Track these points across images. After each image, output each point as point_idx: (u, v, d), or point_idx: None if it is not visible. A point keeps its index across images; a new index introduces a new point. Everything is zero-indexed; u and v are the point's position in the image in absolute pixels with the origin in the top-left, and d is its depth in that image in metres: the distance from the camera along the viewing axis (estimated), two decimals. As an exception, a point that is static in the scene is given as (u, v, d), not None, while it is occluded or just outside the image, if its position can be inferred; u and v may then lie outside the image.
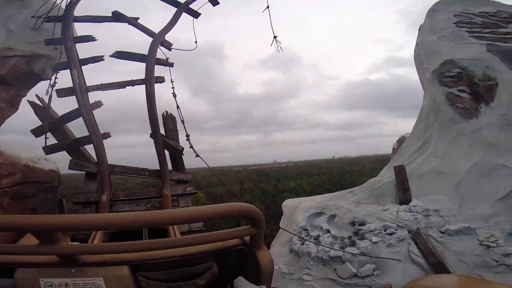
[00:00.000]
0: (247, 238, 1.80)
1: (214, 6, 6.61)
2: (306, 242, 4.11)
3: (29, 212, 4.30)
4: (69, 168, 4.65)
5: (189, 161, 5.19)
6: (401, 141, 7.02)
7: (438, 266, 3.33)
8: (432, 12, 5.60)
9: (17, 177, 4.08)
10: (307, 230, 4.40)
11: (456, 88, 4.58)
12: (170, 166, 5.09)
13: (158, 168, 4.92)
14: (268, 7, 6.67)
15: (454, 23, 5.24)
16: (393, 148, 7.66)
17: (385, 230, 3.83)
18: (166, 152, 4.99)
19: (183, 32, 6.02)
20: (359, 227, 4.05)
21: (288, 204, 5.63)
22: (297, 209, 4.99)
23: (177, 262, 1.68)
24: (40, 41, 5.31)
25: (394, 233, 3.76)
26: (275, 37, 6.70)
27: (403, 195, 4.16)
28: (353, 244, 3.90)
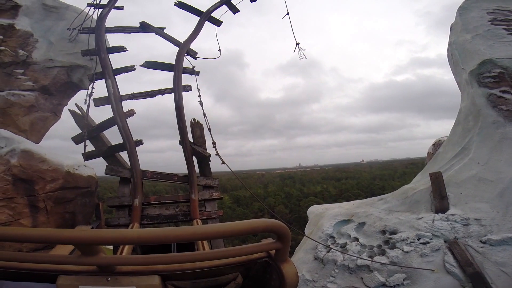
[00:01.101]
0: (272, 251, 1.85)
1: (234, 13, 6.85)
2: (332, 250, 4.06)
3: (69, 215, 4.69)
4: (105, 173, 5.02)
5: (215, 164, 5.43)
6: (437, 145, 6.65)
7: (476, 277, 3.13)
8: (463, 10, 5.29)
9: (59, 182, 4.45)
10: (334, 237, 4.33)
11: (498, 89, 4.27)
12: (197, 171, 5.31)
13: (186, 174, 5.15)
14: (288, 13, 6.77)
15: (489, 21, 4.90)
16: (428, 153, 7.27)
17: (418, 239, 3.67)
18: (194, 158, 5.22)
19: (205, 42, 6.29)
20: (390, 236, 3.91)
21: (314, 210, 5.57)
22: (324, 216, 4.92)
23: (204, 272, 1.79)
24: (77, 52, 5.76)
25: (429, 243, 3.59)
26: (297, 44, 6.76)
27: (440, 203, 3.95)
28: (382, 253, 3.77)
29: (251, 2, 6.93)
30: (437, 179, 4.07)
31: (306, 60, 7.08)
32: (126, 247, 3.20)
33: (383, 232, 4.02)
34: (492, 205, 3.72)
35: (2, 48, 5.29)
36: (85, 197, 4.91)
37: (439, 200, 3.97)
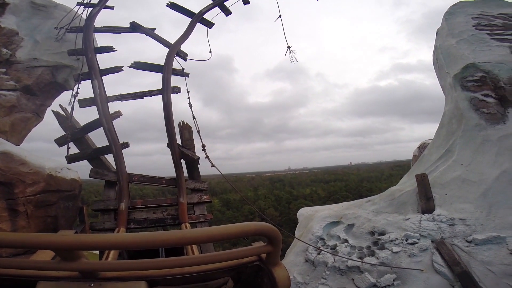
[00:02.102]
0: (263, 255, 1.83)
1: (227, 16, 6.81)
2: (323, 252, 4.06)
3: (51, 220, 4.49)
4: (90, 177, 4.86)
5: (204, 168, 5.35)
6: (422, 148, 6.81)
7: (464, 276, 3.20)
8: (449, 15, 5.48)
9: (41, 186, 4.26)
10: (324, 239, 4.34)
11: (480, 92, 4.42)
12: (186, 174, 5.20)
13: (175, 177, 5.04)
14: (280, 16, 6.81)
15: (473, 26, 5.09)
16: (413, 155, 7.44)
17: (406, 240, 3.72)
18: (183, 161, 5.11)
19: (196, 46, 6.23)
20: (379, 237, 3.95)
21: (303, 212, 5.58)
22: (313, 218, 4.93)
23: (193, 277, 1.73)
24: (64, 52, 5.57)
25: (417, 243, 3.65)
26: (289, 47, 6.82)
27: (426, 204, 4.03)
28: (372, 254, 3.81)
29: (244, 4, 6.91)
30: (422, 181, 4.16)
31: (293, 65, 7.17)
32: (112, 252, 3.09)
33: (372, 233, 4.06)
34: (476, 205, 3.82)
35: None
36: (68, 201, 4.71)
37: (425, 201, 4.05)
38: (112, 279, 1.60)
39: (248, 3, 6.89)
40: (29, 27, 5.79)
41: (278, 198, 45.22)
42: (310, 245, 4.24)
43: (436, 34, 5.66)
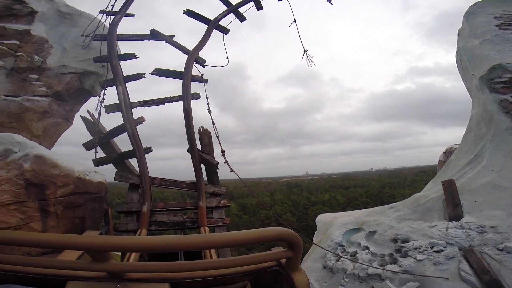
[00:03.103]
0: (283, 260, 1.86)
1: (241, 22, 6.96)
2: (342, 258, 4.02)
3: (78, 220, 4.78)
4: (115, 179, 5.11)
5: (222, 172, 5.46)
6: (448, 153, 6.58)
7: (493, 285, 3.09)
8: (469, 15, 5.31)
9: (70, 188, 4.57)
10: (343, 246, 4.31)
11: (509, 94, 4.25)
12: (205, 179, 5.35)
13: (194, 181, 5.20)
14: (294, 21, 6.86)
15: (497, 26, 4.90)
16: (439, 161, 7.19)
17: (432, 248, 3.63)
18: (202, 165, 5.27)
19: (210, 54, 6.41)
20: (402, 244, 3.87)
21: (322, 218, 5.55)
22: (333, 224, 4.90)
23: (214, 280, 1.80)
24: (90, 59, 5.87)
25: (443, 251, 3.55)
26: (305, 51, 6.79)
27: (454, 211, 3.91)
28: (394, 261, 3.74)
29: (258, 10, 7.04)
30: (450, 187, 4.04)
31: (306, 71, 7.23)
32: (134, 253, 3.22)
33: (395, 240, 3.99)
34: (508, 212, 3.68)
35: (19, 53, 5.44)
36: (95, 203, 5.01)
37: (453, 208, 3.93)
38: (137, 280, 1.69)
39: (262, 8, 7.02)
40: (57, 35, 6.10)
41: (296, 203, 44.74)
42: (329, 251, 4.22)
43: (458, 35, 5.50)
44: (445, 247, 3.59)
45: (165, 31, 6.12)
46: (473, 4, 5.45)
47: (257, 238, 1.62)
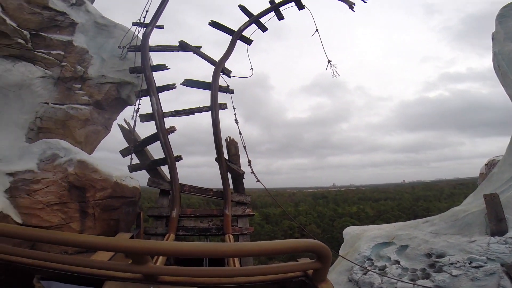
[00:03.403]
0: (309, 270, 1.89)
1: (263, 32, 7.07)
2: (370, 272, 3.89)
3: (113, 222, 5.11)
4: (147, 185, 5.45)
5: (245, 181, 5.55)
6: (490, 165, 6.15)
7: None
8: (502, 18, 5.04)
9: (108, 191, 4.94)
10: (372, 259, 4.18)
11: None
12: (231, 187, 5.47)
13: (221, 189, 5.38)
14: (317, 30, 6.82)
15: None
16: (480, 173, 6.73)
17: (470, 263, 3.44)
18: (229, 174, 5.43)
19: (232, 64, 6.55)
20: (437, 259, 3.70)
21: (350, 231, 5.44)
22: (361, 238, 4.80)
23: (240, 287, 1.87)
24: (126, 69, 6.19)
25: (482, 266, 3.36)
26: (329, 61, 6.74)
27: (497, 226, 3.69)
28: (427, 276, 3.58)
29: (279, 20, 7.12)
30: (493, 201, 3.82)
31: (330, 80, 7.02)
32: (161, 257, 3.35)
33: (429, 255, 3.81)
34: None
35: (64, 63, 5.82)
36: (129, 206, 5.34)
37: (496, 222, 3.70)
38: (169, 283, 1.80)
39: (283, 18, 7.08)
40: (96, 46, 6.40)
41: (321, 214, 43.55)
42: (356, 264, 4.11)
43: (492, 38, 5.23)
44: (485, 262, 3.39)
45: (191, 43, 6.34)
46: (504, 7, 5.20)
47: (287, 249, 1.68)
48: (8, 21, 5.09)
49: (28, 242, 3.72)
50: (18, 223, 4.21)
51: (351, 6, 6.58)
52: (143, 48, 5.93)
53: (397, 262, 3.94)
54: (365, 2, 6.83)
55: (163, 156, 5.41)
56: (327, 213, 44.46)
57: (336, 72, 6.79)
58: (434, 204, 43.96)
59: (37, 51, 5.53)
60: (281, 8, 7.01)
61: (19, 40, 5.25)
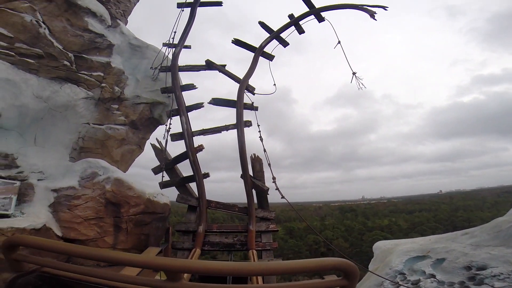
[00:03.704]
0: None
1: (285, 47, 7.19)
2: (401, 286, 3.74)
3: (144, 237, 5.36)
4: (176, 201, 5.71)
5: (269, 196, 5.66)
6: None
7: None
8: None
9: (141, 208, 5.25)
10: (404, 274, 4.04)
11: None
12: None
13: (246, 205, 5.51)
14: (339, 42, 6.71)
15: None
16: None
17: (515, 275, 3.19)
18: (253, 190, 5.56)
19: (255, 80, 6.68)
20: (477, 272, 3.52)
21: (381, 245, 5.29)
22: (393, 252, 4.66)
23: None
24: (157, 90, 6.49)
25: (529, 279, 3.09)
26: (354, 73, 6.64)
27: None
28: (466, 290, 3.36)
29: (299, 34, 7.21)
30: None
31: (355, 90, 6.71)
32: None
33: (468, 268, 3.63)
34: None
35: (103, 84, 6.14)
36: (159, 222, 5.60)
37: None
38: None
39: (303, 32, 7.16)
40: (131, 67, 6.69)
41: (349, 228, 41.81)
42: (386, 279, 3.97)
43: None
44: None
45: (215, 61, 6.61)
46: None
47: (314, 268, 1.72)
48: (55, 43, 5.48)
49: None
50: (58, 235, 4.55)
51: (372, 15, 6.54)
52: (173, 68, 6.24)
53: (433, 276, 3.76)
54: (386, 9, 6.74)
55: (191, 173, 5.66)
56: (356, 226, 42.68)
57: (362, 84, 6.65)
58: (475, 214, 41.08)
59: (81, 73, 5.86)
60: (300, 22, 7.12)
61: (65, 62, 5.59)
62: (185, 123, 5.81)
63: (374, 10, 6.60)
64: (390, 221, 44.66)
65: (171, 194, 5.87)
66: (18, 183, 4.64)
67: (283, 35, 7.12)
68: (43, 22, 5.42)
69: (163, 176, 5.60)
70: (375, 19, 6.57)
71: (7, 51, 4.97)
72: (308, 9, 7.08)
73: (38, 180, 5.00)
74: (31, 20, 5.19)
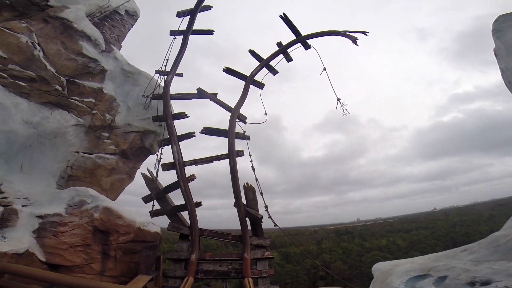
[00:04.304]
0: None
1: (274, 75, 7.37)
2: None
3: (133, 265, 5.18)
4: (167, 230, 5.63)
5: (264, 221, 5.64)
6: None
7: None
8: (498, 32, 5.17)
9: (131, 236, 5.11)
10: (405, 294, 3.92)
11: None
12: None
13: (240, 232, 5.46)
14: (324, 69, 6.96)
15: None
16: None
17: (520, 286, 3.14)
18: (247, 219, 5.53)
19: (246, 108, 6.74)
20: (482, 287, 3.42)
21: (380, 267, 5.24)
22: (393, 273, 4.64)
23: None
24: (149, 118, 6.42)
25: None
26: (338, 99, 6.79)
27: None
28: (471, 305, 3.28)
29: (288, 62, 7.46)
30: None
31: (341, 116, 6.79)
32: None
33: (472, 283, 3.62)
34: None
35: (95, 111, 6.03)
36: (150, 250, 5.46)
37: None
38: None
39: (291, 60, 7.43)
40: (123, 93, 6.60)
41: (347, 250, 41.09)
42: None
43: (495, 55, 5.34)
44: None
45: (207, 89, 6.64)
46: (496, 21, 5.37)
47: None
48: (49, 66, 5.47)
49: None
50: (41, 260, 4.42)
51: (354, 40, 6.83)
52: (165, 96, 6.27)
53: (435, 293, 3.68)
54: (366, 34, 7.08)
55: (183, 202, 5.61)
56: (354, 248, 42.07)
57: (346, 110, 6.75)
58: (473, 228, 41.68)
59: (72, 99, 5.79)
60: (288, 50, 7.39)
61: (57, 87, 5.53)
62: (177, 153, 5.81)
63: (355, 36, 6.91)
64: (388, 241, 44.33)
65: (163, 220, 5.79)
66: (1, 208, 4.54)
67: (272, 63, 7.31)
68: (38, 44, 5.47)
69: (153, 205, 5.53)
70: (357, 45, 6.83)
71: (0, 73, 4.95)
72: (295, 37, 7.39)
73: (23, 206, 4.88)
74: (26, 41, 5.26)
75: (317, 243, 48.66)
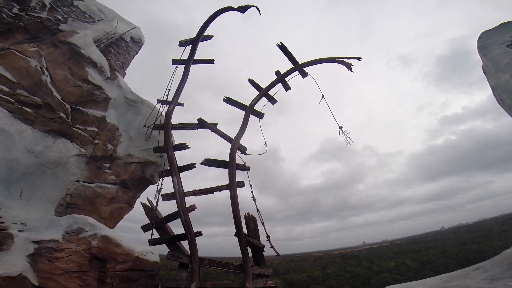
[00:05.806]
0: None
1: (273, 104, 7.39)
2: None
3: (131, 293, 5.06)
4: (167, 258, 5.57)
5: (265, 248, 5.57)
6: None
7: None
8: (483, 50, 5.33)
9: (129, 265, 5.11)
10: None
11: None
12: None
13: (241, 262, 5.41)
14: (323, 97, 6.97)
15: None
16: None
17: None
18: (248, 248, 5.46)
19: (245, 140, 6.66)
20: None
21: (389, 291, 5.03)
22: None
23: None
24: (150, 148, 6.41)
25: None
26: (340, 127, 6.71)
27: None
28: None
29: (286, 90, 7.50)
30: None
31: (336, 144, 6.75)
32: None
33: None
34: None
35: (97, 141, 6.06)
36: (148, 279, 5.44)
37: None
38: None
39: (290, 88, 7.47)
40: (125, 122, 6.59)
41: (354, 275, 39.60)
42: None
43: (484, 73, 5.44)
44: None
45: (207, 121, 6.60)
46: (479, 38, 5.53)
47: None
48: (55, 93, 5.56)
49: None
50: (34, 285, 4.44)
51: (349, 67, 6.89)
52: (166, 127, 6.24)
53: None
54: (360, 60, 7.16)
55: (183, 231, 5.57)
56: (361, 272, 40.60)
57: (349, 138, 6.65)
58: (485, 244, 40.40)
59: (75, 127, 5.86)
60: (286, 79, 7.44)
61: (61, 114, 5.60)
62: (177, 183, 5.82)
63: (350, 62, 7.00)
64: (397, 262, 42.83)
65: (162, 246, 5.71)
66: (-5, 231, 4.58)
67: (271, 92, 7.29)
68: (46, 68, 5.62)
69: (152, 234, 5.48)
70: (352, 71, 6.89)
71: (7, 97, 5.07)
72: (292, 66, 7.49)
73: (19, 231, 4.93)
74: (36, 65, 5.41)
75: (322, 269, 47.01)
